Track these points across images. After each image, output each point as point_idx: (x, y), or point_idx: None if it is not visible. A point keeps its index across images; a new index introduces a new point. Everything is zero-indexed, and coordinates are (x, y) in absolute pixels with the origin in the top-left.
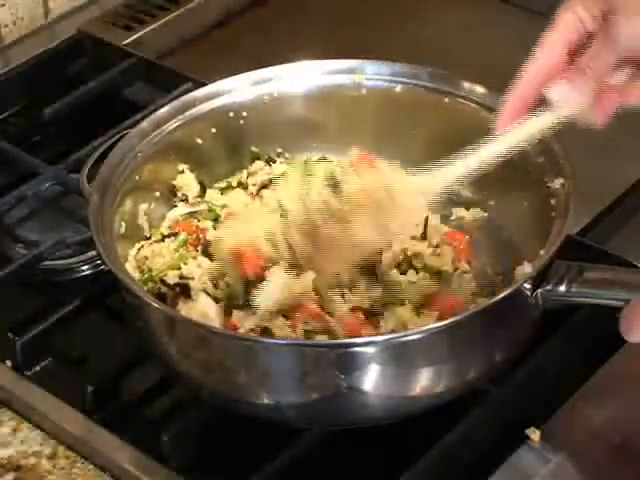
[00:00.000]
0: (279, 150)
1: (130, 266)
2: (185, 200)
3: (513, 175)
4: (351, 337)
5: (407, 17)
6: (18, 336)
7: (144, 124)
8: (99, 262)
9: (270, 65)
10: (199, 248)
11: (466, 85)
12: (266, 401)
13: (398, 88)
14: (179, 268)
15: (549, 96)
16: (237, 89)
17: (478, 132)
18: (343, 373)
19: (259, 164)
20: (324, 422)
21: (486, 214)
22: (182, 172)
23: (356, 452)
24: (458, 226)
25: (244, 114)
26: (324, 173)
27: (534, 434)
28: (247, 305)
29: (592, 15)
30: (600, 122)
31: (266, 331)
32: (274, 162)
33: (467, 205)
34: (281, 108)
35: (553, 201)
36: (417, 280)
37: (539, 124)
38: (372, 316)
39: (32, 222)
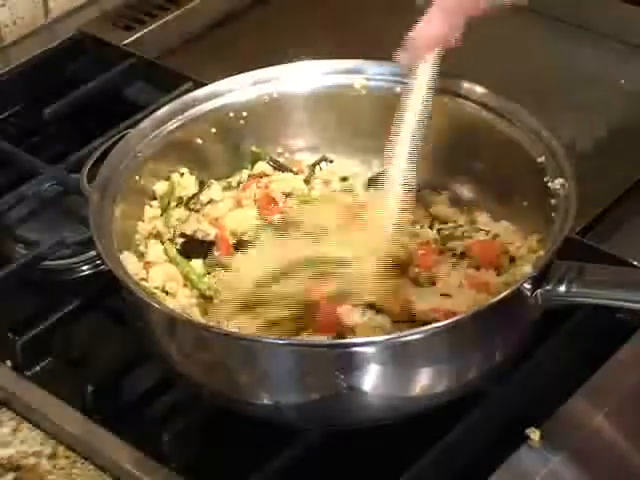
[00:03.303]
0: (279, 150)
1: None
2: (186, 201)
3: (513, 175)
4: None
5: (407, 17)
6: (18, 336)
7: (144, 124)
8: (99, 262)
9: (270, 65)
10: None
11: (466, 85)
12: (266, 401)
13: (398, 88)
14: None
15: None
16: (237, 89)
17: (478, 132)
18: (343, 373)
19: (261, 165)
20: (324, 422)
21: (486, 214)
22: (182, 174)
23: (356, 452)
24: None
25: (244, 114)
26: None
27: (534, 434)
28: None
29: None
30: None
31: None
32: (277, 164)
33: (467, 205)
34: (281, 108)
35: (553, 201)
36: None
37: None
38: None
39: (32, 222)
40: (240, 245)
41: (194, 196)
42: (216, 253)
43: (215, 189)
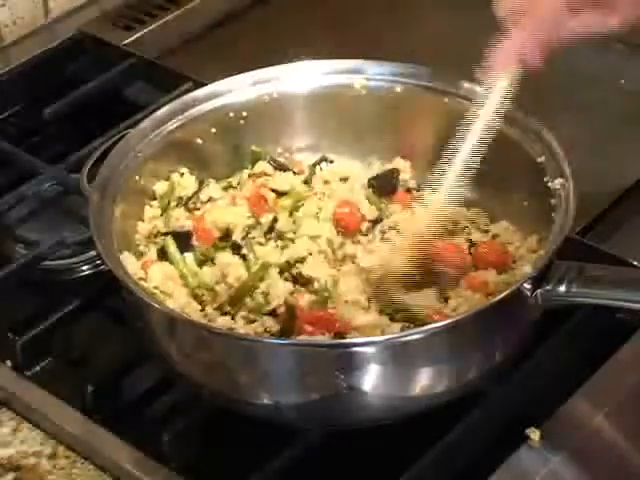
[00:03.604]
0: (279, 150)
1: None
2: (185, 201)
3: (513, 175)
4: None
5: (407, 17)
6: (18, 336)
7: (144, 124)
8: (99, 262)
9: (270, 65)
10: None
11: (466, 85)
12: (266, 401)
13: (398, 88)
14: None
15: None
16: (237, 89)
17: None
18: (343, 373)
19: (261, 165)
20: (324, 422)
21: (486, 214)
22: (182, 173)
23: (356, 452)
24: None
25: (244, 114)
26: None
27: (534, 434)
28: None
29: None
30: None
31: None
32: (277, 163)
33: (467, 205)
34: (281, 108)
35: (553, 201)
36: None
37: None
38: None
39: (32, 222)
40: (226, 239)
41: (193, 195)
42: (195, 243)
43: (214, 188)
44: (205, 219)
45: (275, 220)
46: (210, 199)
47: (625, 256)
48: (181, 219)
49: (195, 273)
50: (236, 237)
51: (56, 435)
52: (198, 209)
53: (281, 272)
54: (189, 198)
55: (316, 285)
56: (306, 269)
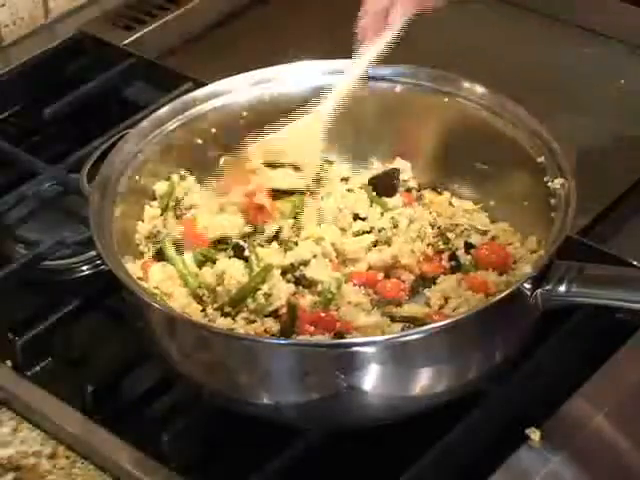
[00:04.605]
0: None
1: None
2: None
3: (513, 175)
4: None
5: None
6: (18, 336)
7: (144, 124)
8: (99, 262)
9: (270, 65)
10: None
11: (466, 85)
12: (266, 401)
13: (398, 88)
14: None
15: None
16: (237, 89)
17: (478, 132)
18: (343, 373)
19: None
20: (324, 423)
21: (486, 214)
22: (182, 174)
23: (356, 452)
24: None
25: (244, 114)
26: None
27: (534, 434)
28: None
29: None
30: None
31: None
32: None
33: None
34: (281, 108)
35: (553, 201)
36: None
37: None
38: None
39: (32, 222)
40: (222, 243)
41: (180, 201)
42: (188, 249)
43: (196, 193)
44: (197, 224)
45: (279, 230)
46: (192, 206)
47: (625, 256)
48: (171, 223)
49: (195, 274)
50: (237, 239)
51: (56, 435)
52: (184, 214)
53: (283, 273)
54: (177, 203)
55: (319, 287)
56: (310, 272)
